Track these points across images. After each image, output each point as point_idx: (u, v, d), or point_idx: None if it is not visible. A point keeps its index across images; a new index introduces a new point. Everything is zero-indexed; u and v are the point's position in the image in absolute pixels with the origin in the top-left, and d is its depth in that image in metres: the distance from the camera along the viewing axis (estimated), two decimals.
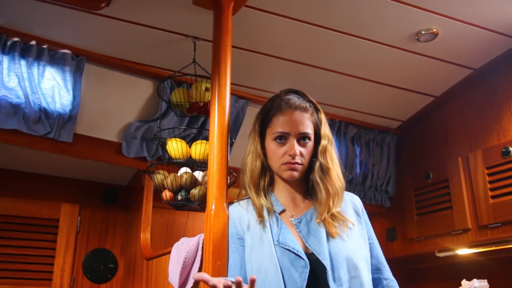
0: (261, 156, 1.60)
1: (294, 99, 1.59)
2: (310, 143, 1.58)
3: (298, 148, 1.53)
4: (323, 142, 1.60)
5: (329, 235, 1.48)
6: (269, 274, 1.41)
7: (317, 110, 1.63)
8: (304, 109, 1.58)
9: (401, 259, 3.57)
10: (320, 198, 1.55)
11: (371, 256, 1.58)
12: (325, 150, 1.59)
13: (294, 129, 1.55)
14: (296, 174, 1.55)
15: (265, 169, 1.61)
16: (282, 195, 1.61)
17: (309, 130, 1.57)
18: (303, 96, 1.63)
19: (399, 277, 1.66)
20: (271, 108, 1.62)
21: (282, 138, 1.55)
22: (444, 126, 3.31)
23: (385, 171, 3.59)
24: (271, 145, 1.57)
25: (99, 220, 3.47)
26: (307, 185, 1.63)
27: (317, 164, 1.57)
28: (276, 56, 2.76)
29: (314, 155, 1.59)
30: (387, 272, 1.62)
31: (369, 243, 1.60)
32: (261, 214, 1.54)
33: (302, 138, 1.55)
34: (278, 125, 1.56)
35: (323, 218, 1.51)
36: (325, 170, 1.57)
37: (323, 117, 1.63)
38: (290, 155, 1.53)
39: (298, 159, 1.53)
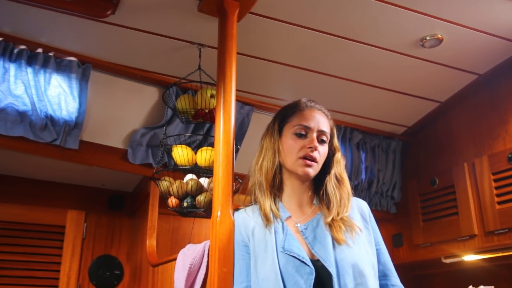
0: (280, 155, 1.61)
1: (313, 103, 1.68)
2: (326, 147, 1.62)
3: (317, 144, 1.57)
4: (338, 154, 1.66)
5: (335, 242, 1.48)
6: (271, 282, 1.41)
7: (332, 121, 1.69)
8: (324, 113, 1.67)
9: (407, 265, 3.55)
10: (333, 204, 1.56)
11: (378, 262, 1.58)
12: (339, 161, 1.65)
13: (315, 125, 1.60)
14: (311, 172, 1.57)
15: (279, 170, 1.62)
16: (289, 200, 1.62)
17: (328, 131, 1.63)
18: (321, 105, 1.70)
19: (405, 284, 1.65)
20: (290, 107, 1.68)
21: (301, 134, 1.59)
22: (450, 132, 3.30)
23: (390, 177, 3.58)
24: (289, 140, 1.60)
25: (105, 226, 3.47)
26: (314, 190, 1.64)
27: (333, 172, 1.62)
28: (281, 63, 2.76)
29: (327, 163, 1.64)
30: (395, 278, 1.62)
31: (376, 249, 1.60)
32: (269, 218, 1.54)
33: (321, 138, 1.60)
34: (300, 119, 1.61)
35: (331, 219, 1.52)
36: (339, 180, 1.62)
37: (335, 131, 1.70)
38: (310, 147, 1.55)
39: (316, 155, 1.56)
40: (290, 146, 1.59)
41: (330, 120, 1.67)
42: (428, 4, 2.35)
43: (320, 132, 1.60)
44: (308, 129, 1.59)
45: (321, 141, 1.60)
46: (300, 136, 1.59)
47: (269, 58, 2.73)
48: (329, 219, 1.52)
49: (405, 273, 3.58)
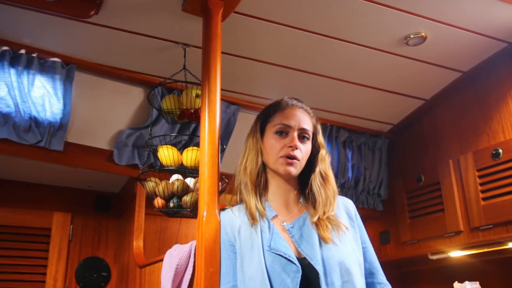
0: (262, 154, 1.62)
1: (296, 101, 1.67)
2: (309, 144, 1.62)
3: (298, 143, 1.56)
4: (323, 151, 1.65)
5: (321, 240, 1.48)
6: (257, 281, 1.41)
7: (316, 119, 1.69)
8: (306, 110, 1.66)
9: (394, 262, 3.57)
10: (319, 203, 1.56)
11: (365, 260, 1.58)
12: (324, 158, 1.64)
13: (296, 123, 1.59)
14: (293, 170, 1.56)
15: (263, 169, 1.62)
16: (275, 199, 1.61)
17: (310, 129, 1.62)
18: (303, 103, 1.69)
19: (392, 281, 1.65)
20: (271, 106, 1.68)
21: (283, 132, 1.59)
22: (435, 129, 3.33)
23: (377, 175, 3.60)
24: (271, 140, 1.60)
25: (91, 228, 3.45)
26: (301, 189, 1.64)
27: (317, 170, 1.61)
28: (266, 62, 2.76)
29: (312, 161, 1.63)
30: (381, 276, 1.62)
31: (363, 247, 1.60)
32: (254, 217, 1.54)
33: (302, 136, 1.59)
34: (281, 118, 1.61)
35: (317, 218, 1.52)
36: (324, 177, 1.61)
37: (319, 127, 1.69)
38: (290, 147, 1.55)
39: (297, 153, 1.55)
40: (271, 146, 1.59)
41: (313, 118, 1.67)
42: (411, 3, 2.36)
43: (302, 130, 1.59)
44: (288, 127, 1.59)
45: (303, 138, 1.60)
46: (281, 134, 1.59)
47: (254, 57, 2.72)
48: (315, 219, 1.52)
49: (393, 270, 3.60)
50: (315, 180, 1.60)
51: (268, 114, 1.65)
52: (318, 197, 1.57)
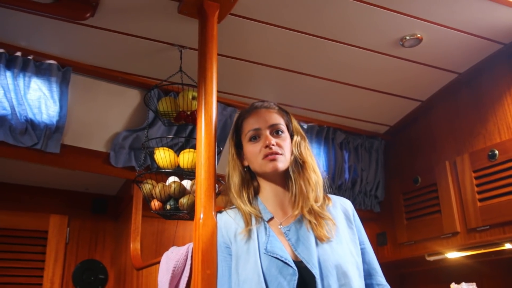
0: (239, 166, 1.64)
1: (259, 102, 1.69)
2: (285, 136, 1.62)
3: (273, 139, 1.57)
4: (296, 137, 1.65)
5: (318, 240, 1.48)
6: (254, 283, 1.41)
7: (284, 111, 1.70)
8: (270, 107, 1.68)
9: (391, 264, 3.57)
10: (295, 194, 1.55)
11: (363, 261, 1.58)
12: (299, 144, 1.63)
13: (263, 123, 1.61)
14: (279, 164, 1.55)
15: (248, 178, 1.64)
16: (270, 201, 1.61)
17: (279, 121, 1.63)
18: (268, 102, 1.71)
19: (389, 282, 1.65)
20: (239, 117, 1.71)
21: (255, 137, 1.60)
22: (431, 130, 3.33)
23: (374, 176, 3.60)
24: (248, 148, 1.61)
25: (88, 230, 3.44)
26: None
27: (292, 158, 1.60)
28: (262, 64, 2.77)
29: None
30: (380, 278, 1.61)
31: (361, 248, 1.59)
32: (249, 223, 1.53)
33: (275, 131, 1.61)
34: (248, 125, 1.63)
35: (300, 208, 1.52)
36: (299, 163, 1.59)
37: (292, 117, 1.70)
38: (266, 146, 1.56)
39: (276, 149, 1.56)
40: (251, 153, 1.60)
41: (281, 111, 1.68)
42: (407, 4, 2.37)
43: (272, 127, 1.61)
44: (258, 130, 1.60)
45: (278, 133, 1.61)
46: (255, 139, 1.61)
47: (251, 59, 2.73)
48: (299, 206, 1.52)
49: (390, 271, 3.57)
50: (290, 169, 1.59)
51: (238, 126, 1.68)
52: (293, 188, 1.57)
